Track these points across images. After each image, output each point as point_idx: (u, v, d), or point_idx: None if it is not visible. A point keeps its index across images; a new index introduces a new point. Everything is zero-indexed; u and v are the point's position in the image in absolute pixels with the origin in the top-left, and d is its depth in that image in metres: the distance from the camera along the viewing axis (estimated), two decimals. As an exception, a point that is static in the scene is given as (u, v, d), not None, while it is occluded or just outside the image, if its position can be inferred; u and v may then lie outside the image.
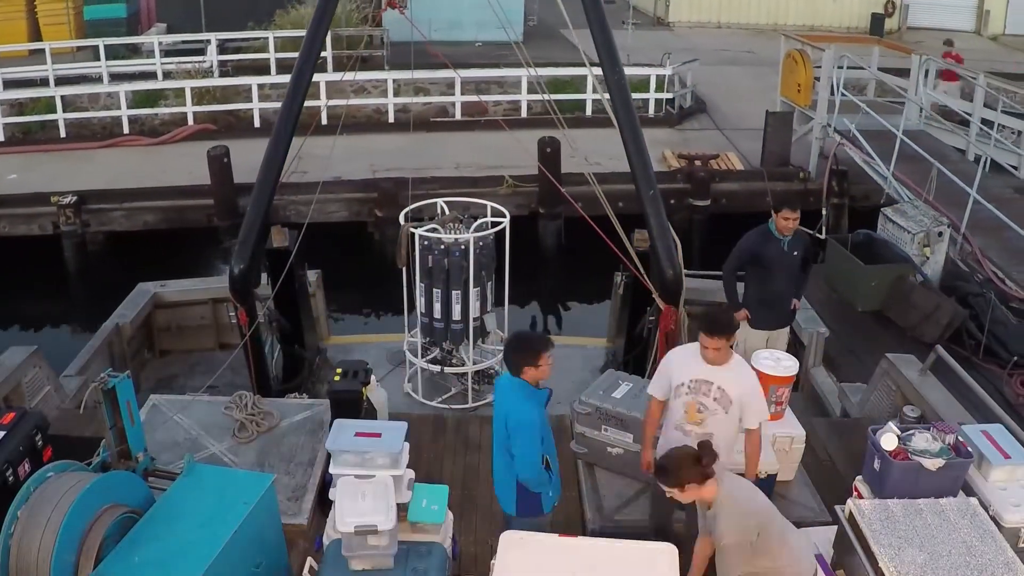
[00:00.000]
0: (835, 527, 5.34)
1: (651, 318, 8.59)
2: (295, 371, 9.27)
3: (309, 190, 13.61)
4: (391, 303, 10.40)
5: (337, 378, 7.28)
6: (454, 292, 8.47)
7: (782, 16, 26.85)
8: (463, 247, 8.29)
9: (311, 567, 5.07)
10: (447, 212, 8.85)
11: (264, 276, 8.87)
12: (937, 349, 7.50)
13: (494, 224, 8.61)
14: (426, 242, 8.39)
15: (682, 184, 14.59)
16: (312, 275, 10.17)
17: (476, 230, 8.48)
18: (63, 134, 17.14)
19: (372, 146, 15.82)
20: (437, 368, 9.00)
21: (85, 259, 14.02)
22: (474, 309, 8.59)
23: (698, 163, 15.21)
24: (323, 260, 10.91)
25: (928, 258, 10.71)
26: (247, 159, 12.10)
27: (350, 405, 7.03)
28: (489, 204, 8.94)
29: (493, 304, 8.92)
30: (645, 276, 8.21)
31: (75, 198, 13.77)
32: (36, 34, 22.45)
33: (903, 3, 26.81)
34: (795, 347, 9.91)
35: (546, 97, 13.05)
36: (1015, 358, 9.35)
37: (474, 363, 9.01)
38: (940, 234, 10.71)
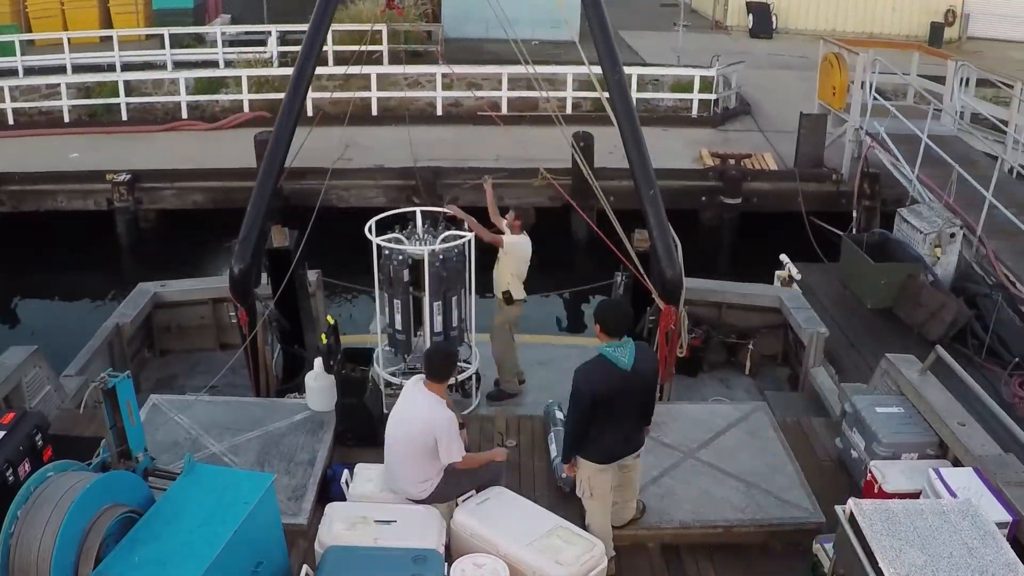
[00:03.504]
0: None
1: (651, 318, 8.58)
2: (295, 371, 9.25)
3: (350, 176, 14.82)
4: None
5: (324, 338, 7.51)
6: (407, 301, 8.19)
7: (840, 23, 26.79)
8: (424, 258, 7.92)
9: (307, 574, 5.06)
10: (420, 221, 8.45)
11: (264, 276, 8.85)
12: (937, 349, 7.49)
13: (459, 237, 8.22)
14: (387, 252, 8.11)
15: (714, 182, 14.82)
16: (312, 275, 10.15)
17: (443, 242, 8.13)
18: (125, 117, 18.20)
19: (419, 137, 16.09)
20: (397, 380, 8.43)
21: (137, 234, 14.98)
22: (437, 324, 8.25)
23: (731, 162, 15.38)
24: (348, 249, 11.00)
25: (939, 258, 10.76)
26: (295, 146, 12.53)
27: (356, 384, 7.22)
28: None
29: (465, 321, 8.55)
30: (645, 276, 8.20)
31: (129, 176, 14.73)
32: (107, 22, 23.50)
33: (964, 13, 26.60)
34: (795, 347, 9.94)
35: (544, 94, 13.14)
36: (1016, 359, 9.36)
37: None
38: (952, 235, 10.76)
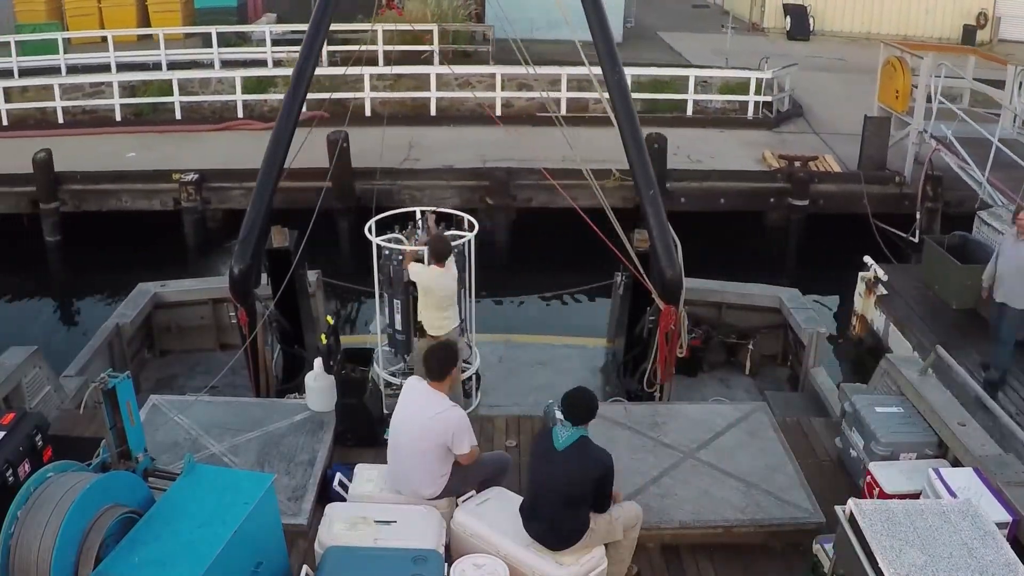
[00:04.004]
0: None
1: (651, 318, 8.58)
2: (295, 371, 9.25)
3: (422, 176, 14.90)
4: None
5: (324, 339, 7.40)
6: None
7: (875, 25, 27.12)
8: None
9: (307, 574, 5.05)
10: (419, 221, 8.42)
11: (264, 276, 8.85)
12: (937, 349, 7.51)
13: (459, 237, 8.21)
14: (387, 252, 8.08)
15: (782, 184, 15.05)
16: (312, 275, 10.16)
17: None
18: (178, 116, 18.04)
19: (478, 138, 16.47)
20: (397, 380, 8.41)
21: (204, 234, 14.85)
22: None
23: (797, 164, 15.60)
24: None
25: None
26: (354, 146, 13.42)
27: (356, 385, 7.21)
28: (467, 217, 8.63)
29: (465, 321, 8.47)
30: (645, 276, 8.19)
31: (196, 176, 14.58)
32: (145, 21, 23.45)
33: (995, 15, 26.81)
34: (795, 347, 9.94)
35: (555, 95, 13.02)
36: None
37: None
38: None
